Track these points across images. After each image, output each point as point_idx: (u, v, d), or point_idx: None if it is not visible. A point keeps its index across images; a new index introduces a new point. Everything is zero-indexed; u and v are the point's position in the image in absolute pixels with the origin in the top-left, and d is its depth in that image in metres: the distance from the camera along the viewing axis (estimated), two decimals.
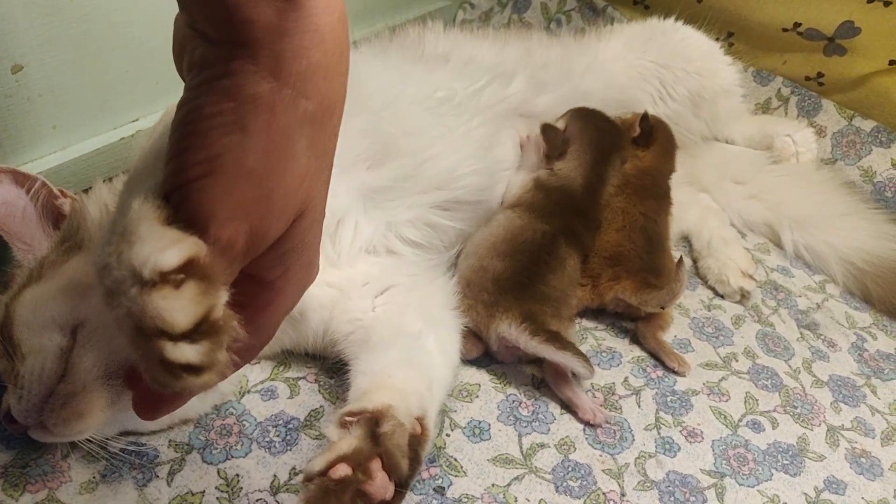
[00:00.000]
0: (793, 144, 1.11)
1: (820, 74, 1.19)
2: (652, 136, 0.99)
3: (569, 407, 0.73)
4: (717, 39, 1.21)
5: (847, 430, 0.77)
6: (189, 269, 0.31)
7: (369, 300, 0.69)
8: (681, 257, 0.82)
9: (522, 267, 0.78)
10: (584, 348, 0.82)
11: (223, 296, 0.33)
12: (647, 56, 1.03)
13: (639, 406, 0.75)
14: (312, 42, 0.36)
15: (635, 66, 1.02)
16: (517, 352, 0.75)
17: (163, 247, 0.31)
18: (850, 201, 1.06)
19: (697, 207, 1.07)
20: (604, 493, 0.65)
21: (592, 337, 0.84)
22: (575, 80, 0.96)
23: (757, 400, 0.78)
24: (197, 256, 0.32)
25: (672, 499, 0.65)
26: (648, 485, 0.66)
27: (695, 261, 1.01)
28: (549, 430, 0.71)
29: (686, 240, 1.05)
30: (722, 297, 0.95)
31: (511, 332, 0.72)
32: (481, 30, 1.06)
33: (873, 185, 1.14)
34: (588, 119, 0.91)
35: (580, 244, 0.84)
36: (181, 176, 0.34)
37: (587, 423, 0.71)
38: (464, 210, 0.82)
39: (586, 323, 0.86)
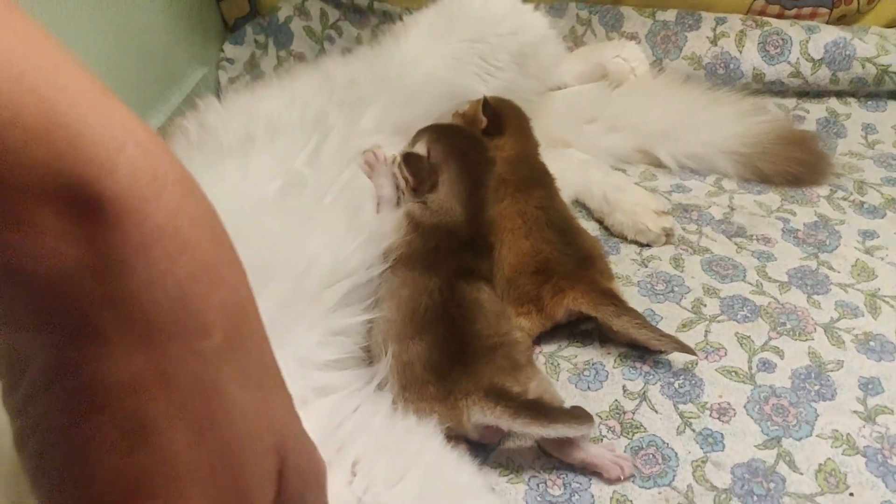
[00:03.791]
0: (625, 62, 1.10)
1: None
2: (500, 120, 0.92)
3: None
4: None
5: (838, 321, 0.76)
6: None
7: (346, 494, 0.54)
8: None
9: (443, 336, 0.67)
10: (562, 376, 0.73)
11: None
12: (455, 37, 0.95)
13: (655, 411, 0.68)
14: (168, 263, 0.23)
15: (447, 53, 0.94)
16: (500, 430, 0.65)
17: None
18: (701, 94, 1.07)
19: (571, 166, 1.02)
20: None
21: (563, 360, 0.75)
22: (392, 89, 0.86)
23: (748, 336, 0.75)
24: None
25: (754, 497, 0.59)
26: (724, 496, 0.60)
27: (600, 221, 0.97)
28: (592, 497, 0.61)
29: (579, 203, 1.00)
30: (648, 245, 0.91)
31: (486, 415, 0.62)
32: (259, 82, 0.92)
33: (704, 68, 1.17)
34: (448, 139, 0.81)
35: (480, 273, 0.75)
36: None
37: (619, 479, 0.62)
38: (367, 293, 0.70)
39: (546, 348, 0.78)
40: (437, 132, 0.82)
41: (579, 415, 0.62)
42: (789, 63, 1.12)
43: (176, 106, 1.04)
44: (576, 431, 0.60)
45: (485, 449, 0.66)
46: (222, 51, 1.25)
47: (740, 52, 1.14)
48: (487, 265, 0.77)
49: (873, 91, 1.12)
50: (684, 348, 0.71)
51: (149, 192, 0.22)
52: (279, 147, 0.71)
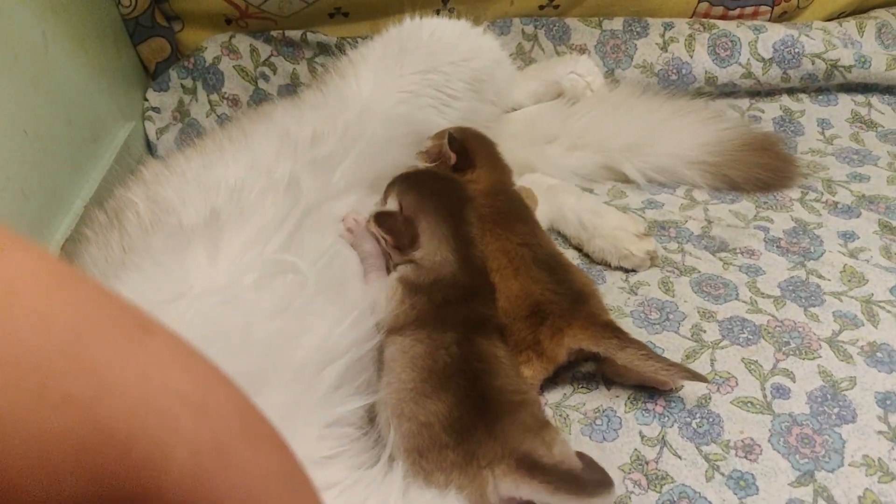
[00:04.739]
0: (580, 78, 1.07)
1: None
2: (469, 152, 0.87)
3: None
4: (438, 12, 1.13)
5: (840, 334, 0.75)
6: None
7: None
8: None
9: (464, 394, 0.62)
10: (574, 428, 0.70)
11: None
12: (407, 70, 0.90)
13: (679, 457, 0.65)
14: None
15: (401, 87, 0.89)
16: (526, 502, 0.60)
17: None
18: (661, 104, 1.05)
19: (540, 192, 0.98)
20: None
21: (572, 410, 0.72)
22: (357, 140, 0.81)
23: (756, 361, 0.73)
24: None
25: None
26: None
27: (578, 248, 0.94)
28: None
29: (553, 230, 0.97)
30: (633, 270, 0.88)
31: (520, 488, 0.57)
32: (205, 141, 0.84)
33: (656, 75, 1.16)
34: (417, 186, 0.76)
35: (494, 325, 0.71)
36: None
37: None
38: (361, 373, 0.64)
39: (550, 398, 0.74)
40: (404, 182, 0.77)
41: (607, 481, 0.58)
42: (740, 64, 1.12)
43: (108, 166, 0.95)
44: (609, 501, 0.56)
45: None
46: (146, 99, 1.16)
47: (691, 57, 1.14)
48: (497, 310, 0.73)
49: (823, 86, 1.13)
50: (695, 376, 0.68)
51: (212, 465, 0.17)
52: (251, 226, 0.64)
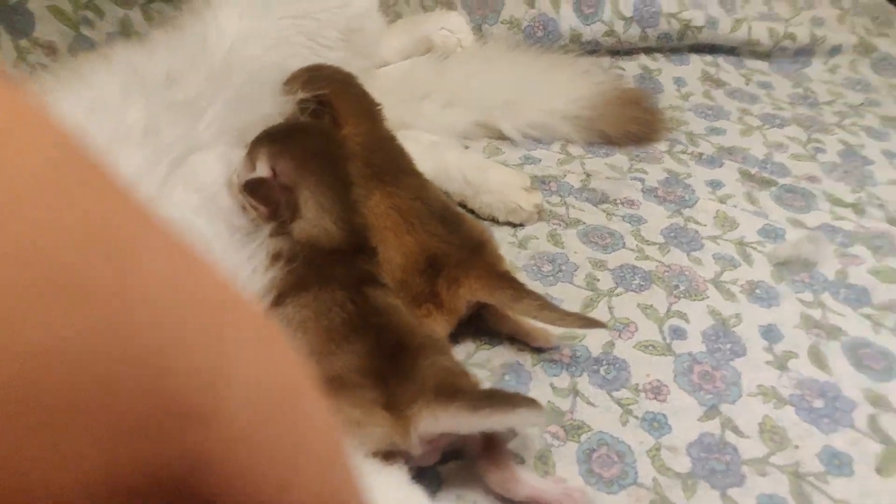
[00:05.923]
0: (451, 34, 1.04)
1: None
2: (331, 104, 0.80)
3: None
4: None
5: (722, 275, 0.79)
6: None
7: None
8: None
9: (374, 344, 0.59)
10: (484, 386, 0.67)
11: None
12: (276, 14, 0.81)
13: (592, 405, 0.65)
14: None
15: (270, 33, 0.80)
16: (442, 441, 0.57)
17: None
18: (533, 60, 1.05)
19: (421, 149, 0.94)
20: None
21: (478, 368, 0.69)
22: (223, 85, 0.72)
23: (651, 305, 0.75)
24: None
25: (717, 475, 0.59)
26: (691, 482, 0.58)
27: (463, 205, 0.91)
28: None
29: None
30: (521, 225, 0.87)
31: (440, 419, 0.54)
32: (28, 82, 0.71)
33: (523, 32, 1.16)
34: (293, 146, 0.69)
35: (381, 281, 0.67)
36: None
37: None
38: None
39: (458, 356, 0.71)
40: (275, 143, 0.69)
41: (534, 401, 0.56)
42: (603, 22, 1.15)
43: None
44: (538, 417, 0.56)
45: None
46: None
47: (557, 13, 1.15)
48: (379, 268, 0.69)
49: (676, 46, 1.20)
50: (592, 322, 0.69)
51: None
52: None
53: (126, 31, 1.04)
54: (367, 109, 0.85)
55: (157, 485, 0.15)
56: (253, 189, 0.66)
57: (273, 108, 0.74)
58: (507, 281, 0.69)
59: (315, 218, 0.68)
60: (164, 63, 0.68)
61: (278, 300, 0.62)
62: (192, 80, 0.67)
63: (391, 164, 0.79)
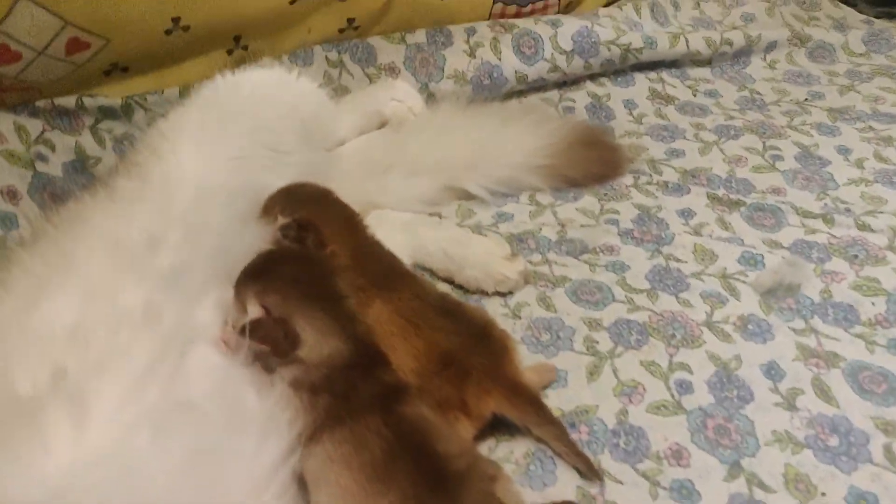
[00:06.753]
0: (401, 104, 1.04)
1: (350, 20, 1.12)
2: (312, 225, 0.80)
3: None
4: (230, 52, 1.04)
5: (713, 314, 0.81)
6: None
7: None
8: None
9: (415, 473, 0.59)
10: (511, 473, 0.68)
11: None
12: (232, 131, 0.81)
13: (620, 482, 0.67)
14: None
15: (229, 154, 0.79)
16: None
17: None
18: (486, 115, 1.06)
19: (396, 229, 0.95)
20: None
21: (504, 463, 0.70)
22: (200, 228, 0.71)
23: (653, 361, 0.77)
24: None
25: None
26: None
27: (449, 281, 0.92)
28: None
29: (419, 267, 0.94)
30: (511, 293, 0.88)
31: None
32: (13, 266, 0.68)
33: (469, 83, 1.16)
34: (274, 279, 0.69)
35: (403, 388, 0.68)
36: None
37: None
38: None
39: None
40: (257, 281, 0.69)
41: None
42: (546, 59, 1.16)
43: None
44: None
45: None
46: None
47: (500, 59, 1.16)
48: (395, 373, 0.70)
49: (619, 68, 1.22)
50: (592, 472, 0.67)
51: None
52: (117, 374, 0.53)
53: (81, 156, 1.02)
54: (348, 222, 0.85)
55: None
56: (255, 331, 0.66)
57: (255, 237, 0.74)
58: (532, 405, 0.70)
59: (315, 340, 0.68)
60: (141, 223, 0.67)
61: (315, 437, 0.62)
62: (171, 238, 0.66)
63: (384, 269, 0.80)
